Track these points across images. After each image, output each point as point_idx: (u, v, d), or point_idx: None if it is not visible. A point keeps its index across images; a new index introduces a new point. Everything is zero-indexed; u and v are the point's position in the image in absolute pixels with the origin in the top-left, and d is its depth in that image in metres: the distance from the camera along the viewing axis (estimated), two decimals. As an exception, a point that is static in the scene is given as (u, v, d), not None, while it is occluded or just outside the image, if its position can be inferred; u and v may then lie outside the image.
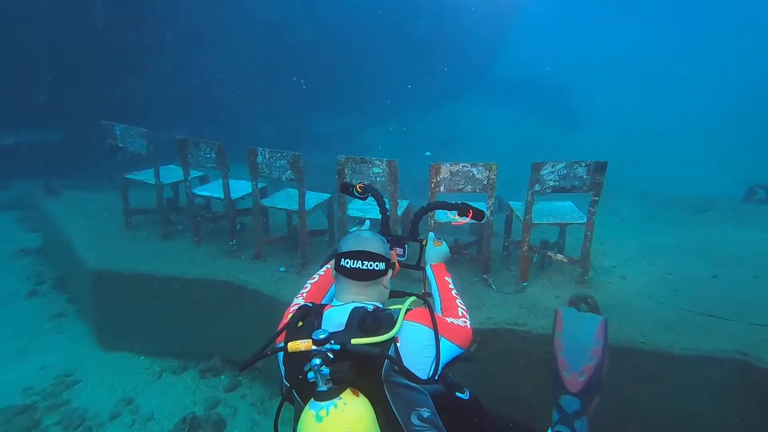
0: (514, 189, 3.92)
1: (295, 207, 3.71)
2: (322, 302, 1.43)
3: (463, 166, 3.05)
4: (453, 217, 1.71)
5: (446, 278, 1.59)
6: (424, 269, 1.68)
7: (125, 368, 3.69)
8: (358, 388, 1.04)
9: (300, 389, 1.09)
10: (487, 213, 3.31)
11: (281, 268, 3.73)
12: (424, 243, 1.69)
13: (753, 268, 3.70)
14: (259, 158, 3.52)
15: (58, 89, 6.28)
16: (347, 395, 1.00)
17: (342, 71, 9.23)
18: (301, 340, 1.02)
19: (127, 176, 4.48)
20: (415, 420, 1.06)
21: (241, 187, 4.15)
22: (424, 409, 1.08)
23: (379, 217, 1.78)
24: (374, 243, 1.30)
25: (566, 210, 3.61)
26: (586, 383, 1.71)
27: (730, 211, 5.31)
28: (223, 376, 3.64)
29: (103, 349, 3.88)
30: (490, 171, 3.04)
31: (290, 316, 1.20)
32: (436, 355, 1.17)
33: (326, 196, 4.04)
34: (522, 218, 3.30)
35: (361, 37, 9.37)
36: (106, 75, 6.47)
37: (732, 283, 3.46)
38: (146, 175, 4.51)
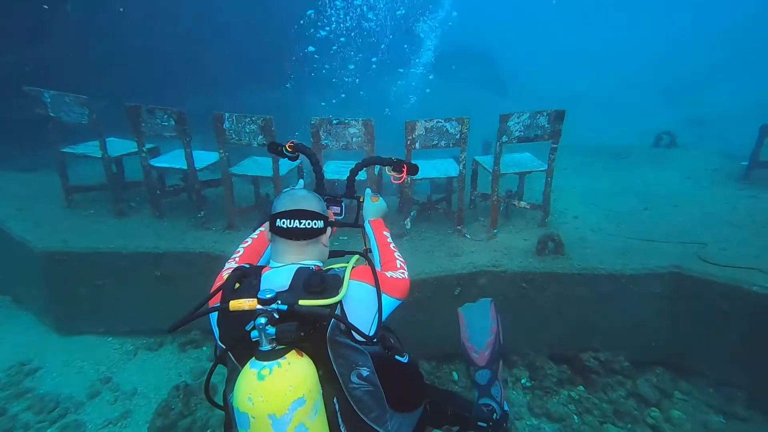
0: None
1: (267, 174, 3.62)
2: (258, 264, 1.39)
3: (437, 122, 3.17)
4: (391, 173, 1.69)
5: (384, 233, 1.57)
6: (362, 226, 1.66)
7: (92, 351, 3.47)
8: (301, 348, 1.03)
9: (237, 350, 1.05)
10: (460, 167, 3.49)
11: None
12: (361, 200, 1.68)
13: (671, 200, 4.40)
14: (227, 124, 3.35)
15: None
16: (291, 355, 0.99)
17: (276, 41, 8.82)
18: (244, 299, 1.00)
19: (64, 150, 4.03)
20: (354, 378, 1.07)
21: (201, 158, 3.94)
22: (364, 368, 1.09)
23: (360, 177, 1.75)
24: (310, 201, 1.26)
25: (526, 160, 3.91)
26: (491, 354, 1.90)
27: (645, 156, 6.16)
28: (204, 348, 3.57)
29: (62, 335, 3.60)
30: (462, 125, 3.18)
31: (226, 277, 1.17)
32: (378, 311, 1.16)
33: (297, 162, 3.97)
34: (491, 170, 3.53)
35: (294, 7, 8.98)
36: None
37: (659, 213, 4.09)
38: (86, 148, 4.09)
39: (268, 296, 0.99)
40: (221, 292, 1.12)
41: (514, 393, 2.92)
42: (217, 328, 1.13)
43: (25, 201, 4.27)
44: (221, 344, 1.11)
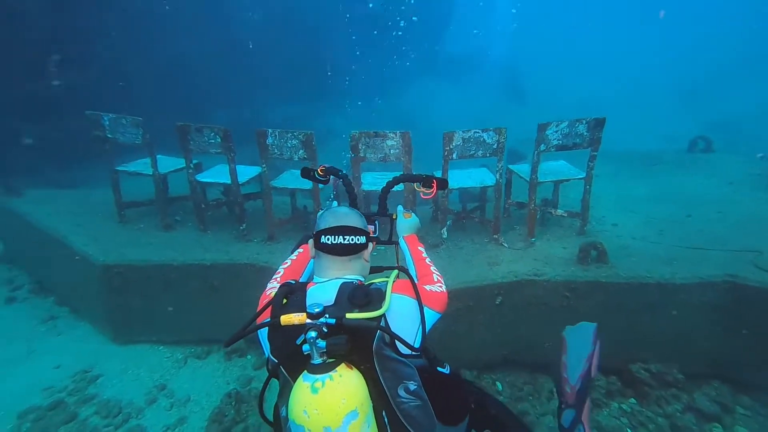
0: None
1: (305, 186, 3.74)
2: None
3: (474, 132, 3.21)
4: (420, 189, 1.69)
5: (419, 248, 1.59)
6: (397, 243, 1.67)
7: (146, 359, 3.67)
8: (350, 361, 1.04)
9: (289, 363, 1.08)
10: (496, 176, 3.51)
11: (298, 247, 3.78)
12: (393, 217, 1.69)
13: (715, 207, 4.24)
14: (269, 139, 3.51)
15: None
16: (342, 368, 1.00)
17: (297, 56, 9.09)
18: (294, 314, 1.02)
19: (118, 168, 4.30)
20: (402, 392, 1.07)
21: (241, 172, 4.11)
22: (411, 382, 1.09)
23: (397, 188, 1.76)
24: (353, 217, 1.31)
25: (562, 168, 3.88)
26: (578, 391, 1.77)
27: (678, 162, 5.96)
28: (249, 356, 3.71)
29: (118, 344, 3.82)
30: (500, 135, 3.21)
31: (274, 294, 1.20)
32: (421, 324, 1.18)
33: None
34: (528, 179, 3.52)
35: (314, 21, 9.25)
36: (36, 65, 5.92)
37: (703, 220, 3.96)
38: (137, 166, 4.35)
39: (317, 310, 1.02)
40: (270, 307, 1.16)
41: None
42: (267, 343, 1.16)
43: (81, 217, 4.56)
44: (273, 358, 1.13)
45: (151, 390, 3.26)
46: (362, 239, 1.28)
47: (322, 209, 1.66)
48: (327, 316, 1.02)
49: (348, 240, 1.25)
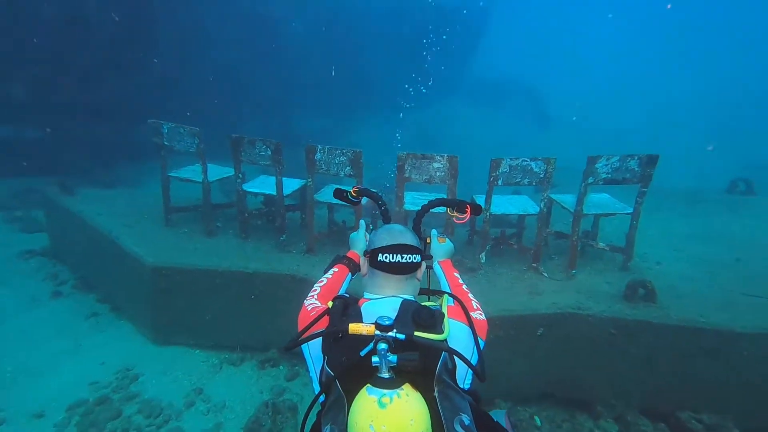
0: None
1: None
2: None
3: (522, 160, 3.22)
4: (454, 213, 1.68)
5: (455, 274, 1.56)
6: (430, 267, 1.63)
7: (184, 362, 3.76)
8: (412, 382, 0.98)
9: (348, 377, 1.01)
10: (540, 205, 3.50)
11: (336, 261, 3.84)
12: (428, 241, 1.67)
13: (765, 252, 4.08)
14: (318, 155, 3.62)
15: (38, 83, 6.02)
16: (408, 387, 0.95)
17: (328, 70, 9.32)
18: (362, 324, 0.99)
19: (170, 174, 4.51)
20: (457, 426, 0.99)
21: (285, 184, 4.24)
22: (466, 416, 1.02)
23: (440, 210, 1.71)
24: (409, 235, 1.30)
25: (607, 201, 3.83)
26: None
27: (720, 202, 5.78)
28: (281, 366, 3.75)
29: (158, 344, 3.94)
30: (548, 165, 3.22)
31: (330, 305, 1.17)
32: (477, 352, 1.14)
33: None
34: (571, 209, 3.49)
35: (346, 39, 9.50)
36: (92, 70, 6.29)
37: (755, 265, 3.79)
38: (187, 173, 4.55)
39: (387, 323, 0.98)
40: (327, 318, 1.14)
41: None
42: (322, 355, 1.11)
43: (130, 218, 4.77)
44: (329, 371, 1.06)
45: (189, 393, 3.33)
46: (418, 258, 1.27)
47: (357, 229, 1.67)
48: (395, 331, 0.99)
49: (405, 259, 1.24)
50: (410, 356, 0.96)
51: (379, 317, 1.01)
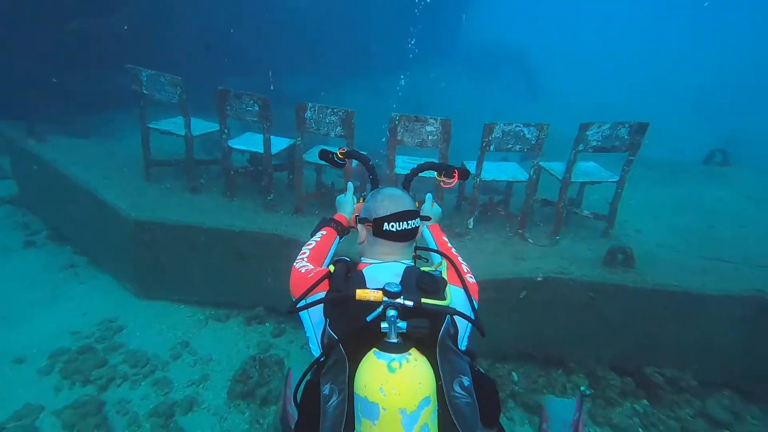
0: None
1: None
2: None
3: (515, 126, 3.20)
4: (442, 178, 1.66)
5: (444, 238, 1.56)
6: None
7: (168, 316, 3.76)
8: (418, 347, 1.00)
9: (352, 341, 1.02)
10: (530, 172, 3.52)
11: (324, 222, 3.82)
12: (417, 204, 1.62)
13: (737, 220, 4.30)
14: (308, 113, 3.50)
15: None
16: (415, 352, 0.97)
17: (311, 28, 8.89)
18: (369, 290, 1.00)
19: (150, 125, 4.30)
20: (456, 387, 1.03)
21: (273, 143, 4.11)
22: (466, 377, 1.06)
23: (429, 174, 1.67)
24: (408, 199, 1.28)
25: (594, 170, 3.88)
26: None
27: (697, 173, 5.97)
28: (267, 324, 3.80)
29: (140, 298, 3.91)
30: (541, 131, 3.21)
31: (332, 268, 1.16)
32: (474, 314, 1.16)
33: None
34: (559, 177, 3.53)
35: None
36: (57, 10, 5.70)
37: (726, 232, 3.99)
38: (169, 125, 4.35)
39: (395, 290, 0.99)
40: (328, 281, 1.14)
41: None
42: (325, 318, 1.11)
43: (108, 170, 4.57)
44: (333, 334, 1.06)
45: (174, 346, 3.36)
46: (419, 222, 1.26)
47: (344, 192, 1.66)
48: (403, 297, 0.99)
49: (410, 225, 1.23)
50: (420, 323, 0.96)
51: (386, 284, 1.01)
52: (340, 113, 3.44)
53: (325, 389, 1.03)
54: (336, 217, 1.58)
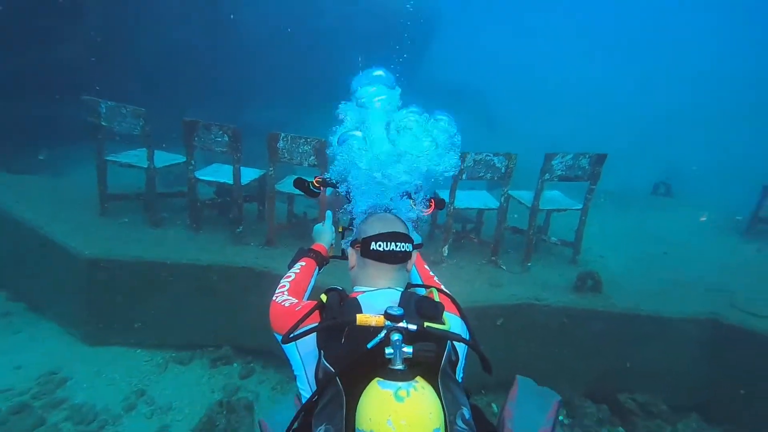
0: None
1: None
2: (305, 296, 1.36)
3: (486, 155, 3.32)
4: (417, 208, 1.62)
5: (425, 266, 1.53)
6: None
7: (122, 362, 3.42)
8: (423, 375, 0.93)
9: (352, 371, 0.93)
10: (501, 200, 3.63)
11: (297, 254, 3.71)
12: None
13: (687, 248, 4.61)
14: (281, 143, 3.47)
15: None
16: (421, 379, 0.90)
17: (281, 63, 9.07)
18: (370, 315, 0.95)
19: (108, 158, 4.08)
20: (459, 421, 0.97)
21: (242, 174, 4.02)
22: (466, 409, 1.01)
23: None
24: (400, 223, 1.24)
25: (559, 198, 4.07)
26: None
27: (645, 203, 6.46)
28: (235, 364, 3.55)
29: (90, 344, 3.55)
30: (509, 160, 3.34)
31: (324, 298, 1.10)
32: (474, 342, 1.09)
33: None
34: (528, 205, 3.66)
35: (299, 36, 9.34)
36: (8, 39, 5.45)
37: (680, 258, 4.25)
38: (129, 158, 4.16)
39: (397, 313, 0.93)
40: (319, 312, 1.08)
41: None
42: (319, 350, 1.03)
43: (57, 206, 4.24)
44: (329, 367, 0.99)
45: (129, 395, 3.04)
46: (410, 247, 1.21)
47: (321, 221, 1.61)
48: (405, 321, 0.93)
49: (399, 247, 1.17)
50: (428, 346, 0.91)
51: (388, 307, 0.95)
52: (313, 143, 3.43)
53: (319, 430, 0.93)
54: (314, 247, 1.53)
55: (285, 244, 3.89)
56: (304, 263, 1.45)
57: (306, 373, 1.08)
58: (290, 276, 1.39)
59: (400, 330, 0.91)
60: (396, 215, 1.30)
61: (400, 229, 1.21)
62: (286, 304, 1.21)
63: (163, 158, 4.24)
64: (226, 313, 3.50)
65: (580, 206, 3.70)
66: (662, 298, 3.24)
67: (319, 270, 1.48)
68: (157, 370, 3.38)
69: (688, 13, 23.85)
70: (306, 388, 1.08)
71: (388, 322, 0.93)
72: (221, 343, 3.61)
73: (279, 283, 1.36)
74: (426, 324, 0.95)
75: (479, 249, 4.03)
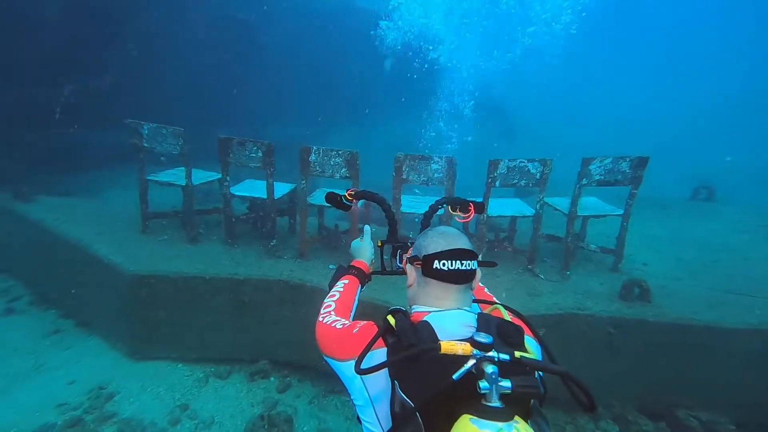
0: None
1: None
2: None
3: (519, 162, 3.25)
4: (456, 212, 1.61)
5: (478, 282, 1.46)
6: None
7: (165, 377, 3.50)
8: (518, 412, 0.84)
9: (435, 406, 0.84)
10: (536, 207, 3.54)
11: (330, 266, 3.72)
12: None
13: (738, 254, 4.33)
14: (313, 156, 3.52)
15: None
16: (521, 420, 0.80)
17: (301, 80, 9.19)
18: (456, 342, 0.86)
19: (148, 177, 4.26)
20: None
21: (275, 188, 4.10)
22: None
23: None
24: (465, 239, 1.13)
25: (597, 204, 3.92)
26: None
27: (685, 208, 6.17)
28: (272, 378, 3.57)
29: (135, 360, 3.65)
30: (545, 166, 3.26)
31: (391, 320, 0.99)
32: (577, 380, 0.96)
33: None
34: (565, 212, 3.55)
35: (324, 49, 9.50)
36: (46, 73, 5.83)
37: (731, 265, 3.99)
38: (168, 176, 4.32)
39: (488, 341, 0.85)
40: (383, 336, 0.98)
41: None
42: (392, 380, 0.93)
43: (101, 226, 4.44)
44: (408, 401, 0.88)
45: (173, 410, 3.10)
46: (475, 264, 1.09)
47: (358, 236, 1.58)
48: (495, 350, 0.85)
49: (465, 266, 1.07)
50: (529, 381, 0.83)
51: (474, 333, 0.88)
52: (344, 155, 3.46)
53: None
54: (354, 263, 1.49)
55: (317, 257, 3.92)
56: (347, 281, 1.41)
57: (374, 406, 0.98)
58: (334, 295, 1.34)
59: (493, 361, 0.83)
60: (459, 230, 1.19)
61: (465, 245, 1.10)
62: (338, 326, 1.14)
63: (199, 176, 4.38)
64: (262, 326, 3.54)
65: (620, 212, 3.55)
66: (718, 307, 3.05)
67: (362, 287, 1.45)
68: (198, 384, 3.44)
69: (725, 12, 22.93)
70: (372, 420, 0.98)
71: (475, 351, 0.85)
72: (257, 358, 3.64)
73: (323, 303, 1.31)
74: (518, 353, 0.86)
75: (514, 258, 3.93)
